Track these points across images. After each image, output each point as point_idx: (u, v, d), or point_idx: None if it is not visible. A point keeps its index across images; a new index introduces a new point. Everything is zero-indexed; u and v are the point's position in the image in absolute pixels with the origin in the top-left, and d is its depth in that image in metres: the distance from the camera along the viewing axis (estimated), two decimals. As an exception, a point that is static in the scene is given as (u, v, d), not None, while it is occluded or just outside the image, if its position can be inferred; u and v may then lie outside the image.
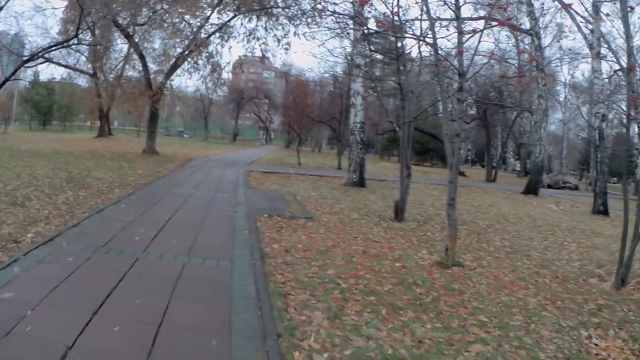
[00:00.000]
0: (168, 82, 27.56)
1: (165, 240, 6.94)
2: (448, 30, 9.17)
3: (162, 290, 4.83)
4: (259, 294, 5.00)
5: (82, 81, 45.83)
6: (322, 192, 15.74)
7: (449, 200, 7.60)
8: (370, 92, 21.27)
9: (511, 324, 4.97)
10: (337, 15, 14.59)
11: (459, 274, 6.79)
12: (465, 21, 8.40)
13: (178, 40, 25.10)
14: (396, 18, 10.47)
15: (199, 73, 27.50)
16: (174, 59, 25.80)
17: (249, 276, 5.60)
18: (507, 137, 49.08)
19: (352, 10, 16.51)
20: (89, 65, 34.21)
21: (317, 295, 5.22)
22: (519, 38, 32.11)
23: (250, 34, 25.88)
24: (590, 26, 20.09)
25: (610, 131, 41.34)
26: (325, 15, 16.02)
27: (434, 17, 8.55)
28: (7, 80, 25.33)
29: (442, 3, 7.93)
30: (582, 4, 20.53)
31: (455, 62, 8.36)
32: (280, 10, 24.77)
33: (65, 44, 25.12)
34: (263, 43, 26.35)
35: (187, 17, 24.71)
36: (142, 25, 25.50)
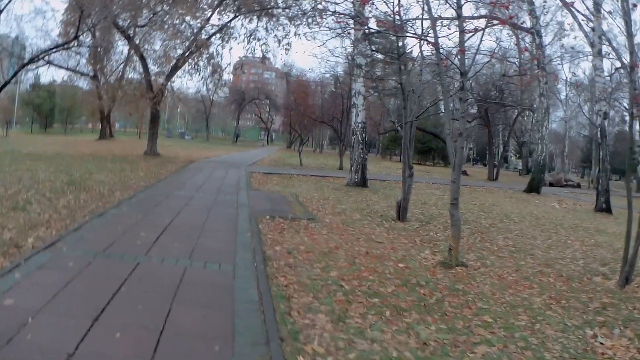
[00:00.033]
0: (169, 83, 27.57)
1: (166, 244, 6.90)
2: (449, 29, 9.14)
3: (163, 295, 4.78)
4: (262, 297, 4.96)
5: (83, 83, 45.80)
6: (324, 192, 15.71)
7: (452, 200, 7.56)
8: (371, 92, 21.21)
9: (516, 324, 4.94)
10: (337, 15, 14.55)
11: (462, 274, 6.75)
12: (466, 20, 8.34)
13: (179, 41, 25.13)
14: (397, 17, 10.44)
15: (199, 74, 27.59)
16: (174, 61, 25.78)
17: (252, 279, 5.56)
18: (508, 135, 48.99)
19: (352, 10, 16.46)
20: (90, 68, 34.19)
21: (320, 297, 5.17)
22: (520, 37, 32.05)
23: (250, 35, 25.94)
24: (591, 24, 20.04)
25: (611, 129, 41.25)
26: (326, 15, 15.97)
27: (435, 16, 8.51)
28: (7, 83, 25.35)
29: (443, 2, 7.87)
30: (583, 2, 20.37)
31: (457, 61, 8.31)
32: (280, 10, 24.77)
33: (65, 46, 25.10)
34: (264, 44, 26.41)
35: (187, 18, 24.74)
36: (142, 26, 25.50)
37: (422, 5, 8.93)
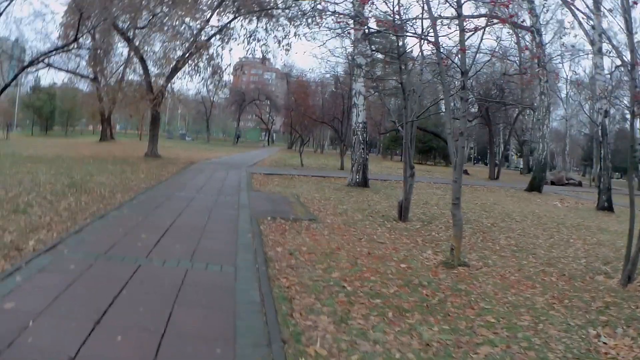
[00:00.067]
0: (169, 85, 27.55)
1: (167, 246, 6.88)
2: (450, 28, 9.12)
3: (165, 297, 4.77)
4: (264, 298, 4.94)
5: (84, 85, 45.83)
6: (325, 193, 15.70)
7: (453, 200, 7.54)
8: (372, 92, 21.19)
9: (519, 325, 4.91)
10: (337, 15, 14.54)
11: (465, 274, 6.74)
12: (467, 19, 8.32)
13: (178, 43, 25.12)
14: (397, 17, 10.42)
15: (199, 75, 27.56)
16: (174, 62, 25.77)
17: (253, 281, 5.55)
18: (509, 134, 48.97)
19: (352, 10, 16.45)
20: (90, 70, 34.20)
21: (322, 299, 5.15)
22: (520, 35, 32.01)
23: (250, 36, 25.91)
24: (591, 22, 20.02)
25: (612, 127, 41.22)
26: (326, 15, 15.95)
27: (435, 15, 8.49)
28: (7, 85, 25.34)
29: (443, 1, 7.86)
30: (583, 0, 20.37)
31: (457, 60, 8.29)
32: (280, 11, 24.75)
33: (65, 49, 25.10)
34: (264, 44, 26.40)
35: (187, 19, 24.74)
36: (142, 28, 25.50)
37: (422, 5, 8.92)
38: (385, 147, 64.84)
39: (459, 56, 8.08)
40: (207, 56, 26.56)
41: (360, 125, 18.85)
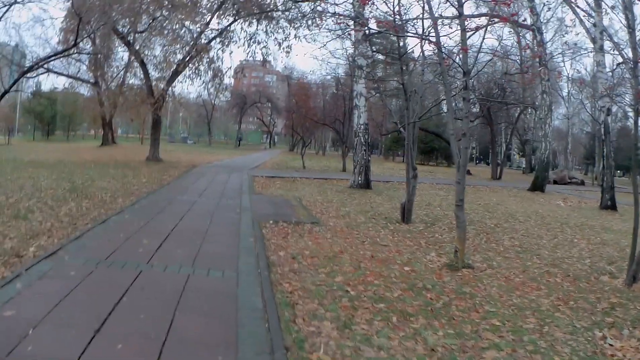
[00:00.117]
0: (170, 88, 27.54)
1: (169, 251, 6.84)
2: (451, 27, 9.08)
3: (166, 304, 4.72)
4: (266, 304, 4.89)
5: (84, 90, 45.94)
6: (327, 195, 15.65)
7: (457, 201, 7.48)
8: (373, 93, 21.16)
9: (525, 328, 4.86)
10: (337, 17, 14.52)
11: (469, 276, 6.68)
12: (468, 18, 8.27)
13: (179, 46, 25.10)
14: (397, 17, 10.37)
15: (200, 79, 27.57)
16: (175, 66, 25.76)
17: (256, 286, 5.49)
18: (511, 134, 48.91)
19: (352, 12, 16.43)
20: (90, 74, 34.25)
21: (325, 304, 5.10)
22: (521, 34, 31.99)
23: (250, 38, 25.88)
24: (592, 20, 19.97)
25: (614, 125, 41.13)
26: (326, 17, 15.95)
27: (436, 15, 8.44)
28: (7, 91, 25.33)
29: (444, 0, 7.81)
30: (583, -3, 20.39)
31: (459, 60, 8.24)
32: (280, 13, 24.73)
33: (64, 54, 25.10)
34: (264, 47, 26.38)
35: (187, 23, 24.71)
36: (142, 32, 25.49)
37: (422, 5, 8.87)
38: (387, 148, 64.76)
39: (461, 56, 8.03)
40: (208, 59, 26.55)
41: (362, 126, 18.81)
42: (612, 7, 19.03)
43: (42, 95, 59.74)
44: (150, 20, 24.49)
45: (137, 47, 26.58)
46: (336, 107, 38.02)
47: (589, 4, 20.52)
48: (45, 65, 25.47)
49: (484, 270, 7.16)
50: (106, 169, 19.25)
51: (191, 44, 25.14)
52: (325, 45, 65.74)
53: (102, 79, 33.96)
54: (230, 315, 4.59)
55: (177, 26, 24.60)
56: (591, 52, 25.82)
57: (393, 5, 10.80)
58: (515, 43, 34.21)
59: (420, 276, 6.51)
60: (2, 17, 24.58)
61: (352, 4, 17.16)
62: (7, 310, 4.26)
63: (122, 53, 33.88)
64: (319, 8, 18.21)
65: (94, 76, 34.17)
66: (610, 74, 24.15)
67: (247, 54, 28.20)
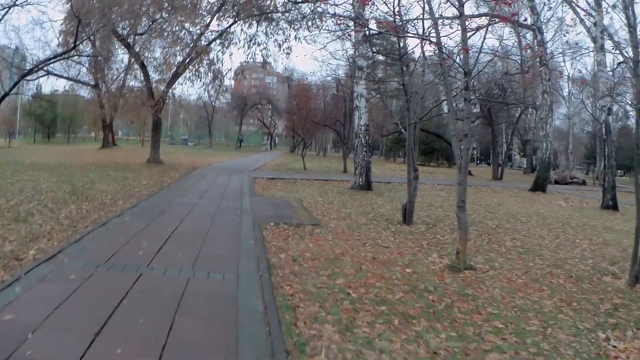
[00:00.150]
0: (170, 90, 27.53)
1: (169, 254, 6.80)
2: (451, 28, 9.05)
3: (166, 308, 4.69)
4: (267, 307, 4.86)
5: (85, 92, 45.95)
6: (328, 197, 15.62)
7: (458, 203, 7.44)
8: (373, 94, 21.14)
9: (527, 330, 4.82)
10: (337, 18, 14.50)
11: (471, 278, 6.64)
12: (468, 18, 8.24)
13: (178, 48, 25.07)
14: (398, 18, 10.34)
15: (200, 81, 27.53)
16: (175, 68, 25.75)
17: (256, 289, 5.46)
18: (512, 134, 48.89)
19: (352, 12, 16.41)
20: (91, 77, 34.24)
21: (326, 307, 5.06)
22: (521, 34, 31.98)
23: (250, 40, 25.88)
24: (592, 19, 19.94)
25: (614, 124, 41.09)
26: (326, 18, 15.92)
27: (436, 15, 8.41)
28: (7, 94, 25.33)
29: (444, 0, 7.78)
30: (584, -3, 20.40)
31: (459, 60, 8.20)
32: (279, 14, 24.71)
33: (64, 56, 25.09)
34: (264, 48, 26.34)
35: (186, 25, 24.69)
36: (142, 34, 25.48)
37: (422, 6, 8.83)
38: (388, 149, 64.70)
39: (461, 56, 8.00)
40: (208, 61, 26.54)
41: (363, 127, 18.78)
42: (613, 6, 19.00)
43: (43, 98, 59.74)
44: (150, 22, 24.49)
45: (137, 49, 26.56)
46: (337, 108, 38.00)
47: (589, 4, 20.50)
48: (45, 68, 25.49)
49: (486, 271, 7.12)
50: (106, 172, 19.23)
51: (191, 45, 25.14)
52: (325, 46, 65.76)
53: (103, 81, 33.97)
54: (231, 318, 4.56)
55: (177, 28, 24.60)
56: (592, 51, 25.81)
57: (393, 6, 10.78)
58: (516, 43, 34.21)
59: (422, 278, 6.47)
60: (1, 19, 24.58)
61: (352, 4, 17.14)
62: (7, 314, 4.24)
63: (122, 55, 33.97)
64: (318, 9, 18.21)
65: (94, 78, 34.16)
66: (611, 73, 24.14)
67: (247, 55, 28.29)
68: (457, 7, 7.73)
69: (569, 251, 9.32)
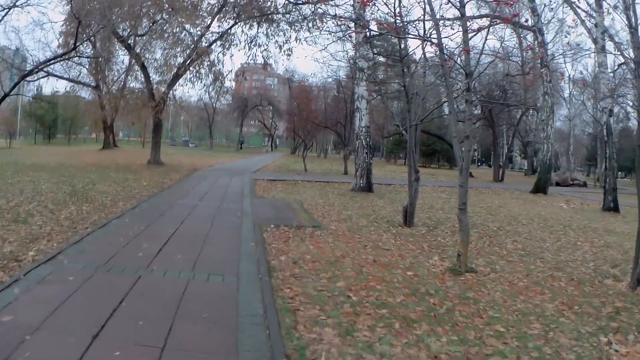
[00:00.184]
0: (171, 92, 27.52)
1: (169, 256, 6.78)
2: (453, 29, 9.02)
3: (165, 310, 4.66)
4: (267, 310, 4.82)
5: (86, 94, 45.99)
6: (329, 198, 15.59)
7: (460, 205, 7.41)
8: (374, 96, 21.12)
9: (529, 333, 4.79)
10: (338, 19, 14.48)
11: (472, 280, 6.60)
12: (470, 19, 8.22)
13: (179, 49, 25.06)
14: (399, 19, 10.32)
15: (201, 82, 27.50)
16: (175, 69, 25.75)
17: (256, 292, 5.43)
18: (513, 135, 48.88)
19: (353, 13, 16.39)
20: (91, 78, 34.24)
21: (327, 310, 5.03)
22: (522, 35, 31.97)
23: (251, 41, 25.83)
24: (593, 20, 19.93)
25: (615, 125, 41.08)
26: (327, 19, 15.91)
27: (438, 16, 8.39)
28: (7, 95, 25.32)
29: (445, 1, 7.75)
30: (585, -1, 20.37)
31: (460, 62, 8.18)
32: (280, 16, 24.69)
33: (64, 57, 25.08)
34: (265, 50, 26.30)
35: (187, 26, 24.68)
36: (142, 35, 25.48)
37: (423, 7, 8.80)
38: (388, 150, 64.70)
39: (463, 57, 7.98)
40: (209, 62, 26.52)
41: (364, 129, 18.76)
42: (615, 7, 18.98)
43: (43, 99, 59.79)
44: (151, 24, 24.49)
45: (138, 51, 26.58)
46: (337, 109, 38.04)
47: (590, 5, 20.49)
48: (46, 69, 25.48)
49: (487, 274, 7.09)
50: (107, 173, 19.22)
51: (192, 47, 25.12)
52: (326, 47, 65.34)
53: (103, 83, 33.99)
54: (231, 321, 4.53)
55: (178, 29, 24.58)
56: (593, 52, 25.80)
57: (394, 7, 10.76)
58: (517, 44, 34.17)
59: (423, 281, 6.44)
60: (0, 20, 24.59)
61: (352, 6, 17.12)
62: (5, 315, 4.22)
63: (122, 56, 33.91)
64: (319, 10, 18.17)
65: (95, 80, 34.18)
66: (612, 74, 24.11)
67: (248, 57, 28.12)
68: (458, 8, 7.71)
69: (570, 254, 9.29)
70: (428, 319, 4.98)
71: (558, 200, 22.15)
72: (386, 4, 10.96)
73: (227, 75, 29.01)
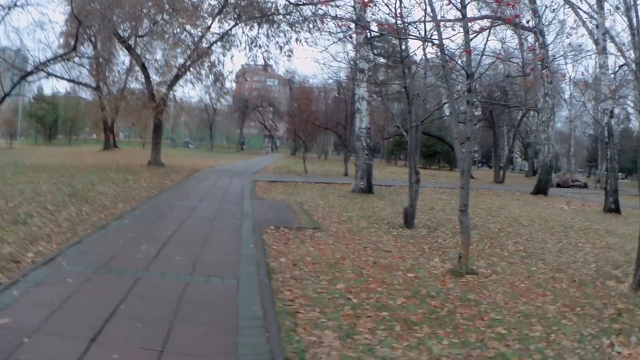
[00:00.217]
0: (171, 93, 27.49)
1: (168, 258, 6.74)
2: (454, 30, 8.99)
3: (163, 313, 4.63)
4: (266, 313, 4.79)
5: (86, 94, 45.91)
6: (329, 200, 15.56)
7: (461, 206, 7.38)
8: (375, 97, 21.10)
9: (531, 336, 4.77)
10: (339, 20, 14.44)
11: (473, 282, 6.58)
12: (471, 20, 8.19)
13: (180, 50, 25.05)
14: (399, 20, 10.29)
15: (202, 83, 27.50)
16: (176, 70, 25.72)
17: (256, 294, 5.39)
18: (513, 137, 48.83)
19: (354, 14, 16.37)
20: (92, 79, 34.19)
21: (327, 312, 4.99)
22: (523, 37, 31.92)
23: (252, 42, 25.80)
24: (594, 21, 19.92)
25: (616, 127, 41.09)
26: (327, 20, 15.88)
27: (439, 17, 8.36)
28: (7, 95, 25.28)
29: (446, 2, 7.73)
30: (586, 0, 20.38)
31: (461, 63, 8.15)
32: (281, 17, 24.67)
33: (64, 57, 25.05)
34: (265, 51, 26.27)
35: (187, 27, 24.65)
36: (143, 36, 25.46)
37: (424, 7, 8.78)
38: (389, 152, 64.60)
39: (464, 58, 7.95)
40: (209, 63, 26.50)
41: (364, 130, 18.73)
42: (616, 8, 18.97)
43: (44, 100, 59.84)
44: (151, 24, 24.47)
45: (138, 51, 26.55)
46: (338, 110, 38.02)
47: (591, 6, 20.48)
48: (46, 70, 25.44)
49: (488, 276, 7.06)
50: (107, 173, 19.17)
51: (192, 48, 25.10)
52: (326, 48, 65.32)
53: (104, 83, 33.88)
54: (230, 324, 4.50)
55: (178, 30, 24.57)
56: (594, 53, 25.77)
57: (395, 8, 10.72)
58: (518, 45, 34.13)
59: (424, 283, 6.41)
60: (1, 20, 24.58)
61: (353, 7, 17.10)
62: (3, 317, 4.18)
63: (123, 57, 33.86)
64: (320, 11, 18.16)
65: (95, 80, 34.06)
66: (613, 75, 24.11)
67: (249, 57, 28.15)
68: (459, 9, 7.68)
69: (571, 255, 9.28)
70: (429, 322, 4.95)
71: (559, 201, 22.13)
72: (387, 5, 10.90)
73: (227, 76, 29.04)
